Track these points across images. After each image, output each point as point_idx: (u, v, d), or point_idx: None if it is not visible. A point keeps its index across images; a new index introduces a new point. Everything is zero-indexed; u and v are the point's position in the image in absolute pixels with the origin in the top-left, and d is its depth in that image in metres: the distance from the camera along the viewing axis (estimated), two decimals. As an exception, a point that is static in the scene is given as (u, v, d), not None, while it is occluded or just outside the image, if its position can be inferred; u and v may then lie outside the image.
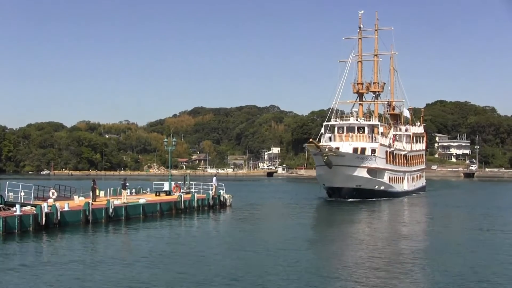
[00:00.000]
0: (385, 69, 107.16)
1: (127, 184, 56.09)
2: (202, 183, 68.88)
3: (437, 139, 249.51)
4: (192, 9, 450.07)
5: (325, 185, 77.76)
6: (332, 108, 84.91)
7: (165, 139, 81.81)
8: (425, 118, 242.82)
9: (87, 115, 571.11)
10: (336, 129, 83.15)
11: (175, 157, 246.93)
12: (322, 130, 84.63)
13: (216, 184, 64.80)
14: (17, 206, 41.22)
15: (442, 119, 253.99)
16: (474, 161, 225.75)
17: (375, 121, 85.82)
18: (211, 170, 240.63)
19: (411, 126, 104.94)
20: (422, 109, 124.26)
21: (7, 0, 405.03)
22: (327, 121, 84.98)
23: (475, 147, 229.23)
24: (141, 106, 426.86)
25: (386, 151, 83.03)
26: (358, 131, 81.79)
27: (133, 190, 65.35)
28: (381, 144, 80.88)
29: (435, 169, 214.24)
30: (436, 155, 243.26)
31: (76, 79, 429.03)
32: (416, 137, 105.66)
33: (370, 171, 77.09)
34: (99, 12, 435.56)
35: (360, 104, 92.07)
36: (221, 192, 64.42)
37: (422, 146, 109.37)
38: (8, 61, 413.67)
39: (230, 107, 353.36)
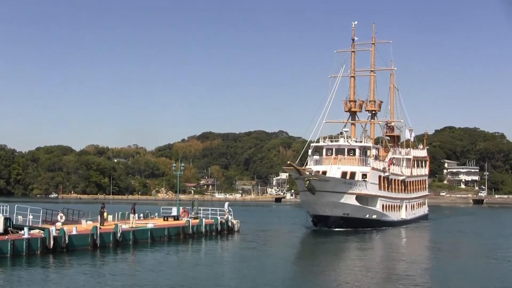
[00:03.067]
0: (386, 86, 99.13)
1: (135, 209, 56.32)
2: (210, 208, 68.73)
3: (446, 165, 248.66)
4: (200, 34, 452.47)
5: (309, 213, 71.18)
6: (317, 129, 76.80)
7: (174, 164, 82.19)
8: (434, 144, 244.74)
9: (96, 139, 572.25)
10: (324, 151, 75.20)
11: (183, 182, 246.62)
12: (309, 152, 76.87)
13: (228, 210, 64.97)
14: (25, 229, 41.37)
15: (451, 145, 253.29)
16: (484, 187, 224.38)
17: (367, 143, 77.66)
18: (219, 195, 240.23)
19: (411, 149, 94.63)
20: (425, 131, 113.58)
21: (17, 23, 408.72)
22: (313, 141, 77.64)
23: (484, 173, 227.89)
24: (149, 130, 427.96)
25: (380, 176, 75.17)
26: (348, 154, 73.97)
27: (141, 215, 65.38)
28: (373, 168, 73.44)
29: (444, 195, 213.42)
30: (445, 182, 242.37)
31: (85, 103, 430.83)
32: (418, 161, 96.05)
33: (360, 198, 69.97)
34: (108, 37, 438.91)
35: (352, 123, 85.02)
36: (229, 217, 64.22)
37: (424, 171, 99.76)
38: (18, 85, 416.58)
39: (239, 132, 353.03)
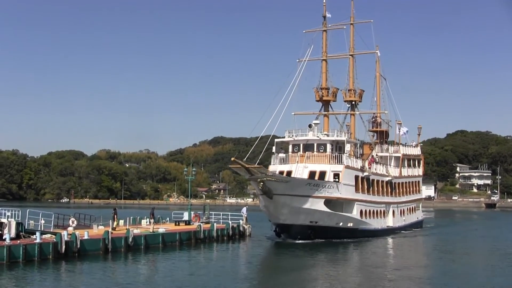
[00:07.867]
0: (371, 74, 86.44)
1: (154, 214, 57.10)
2: (221, 212, 68.48)
3: (458, 169, 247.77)
4: (210, 41, 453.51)
5: (271, 221, 59.77)
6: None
7: (185, 169, 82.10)
8: (446, 148, 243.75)
9: (108, 143, 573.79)
10: (290, 147, 64.55)
11: (195, 187, 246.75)
12: (274, 149, 66.65)
13: (246, 214, 64.60)
14: (37, 234, 41.43)
15: (463, 149, 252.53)
16: (496, 191, 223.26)
17: (341, 136, 64.52)
18: (230, 200, 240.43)
19: (401, 145, 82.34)
20: (419, 126, 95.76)
21: (26, 29, 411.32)
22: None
23: (497, 177, 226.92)
24: (161, 135, 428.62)
25: (357, 176, 63.38)
26: (318, 150, 62.06)
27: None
28: (347, 167, 61.34)
29: (456, 199, 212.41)
30: (457, 186, 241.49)
31: (97, 108, 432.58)
32: (409, 160, 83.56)
33: (331, 202, 58.51)
34: (119, 42, 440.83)
35: (325, 115, 72.23)
36: (241, 222, 63.94)
37: (417, 171, 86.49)
38: (30, 90, 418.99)
39: (250, 136, 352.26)
